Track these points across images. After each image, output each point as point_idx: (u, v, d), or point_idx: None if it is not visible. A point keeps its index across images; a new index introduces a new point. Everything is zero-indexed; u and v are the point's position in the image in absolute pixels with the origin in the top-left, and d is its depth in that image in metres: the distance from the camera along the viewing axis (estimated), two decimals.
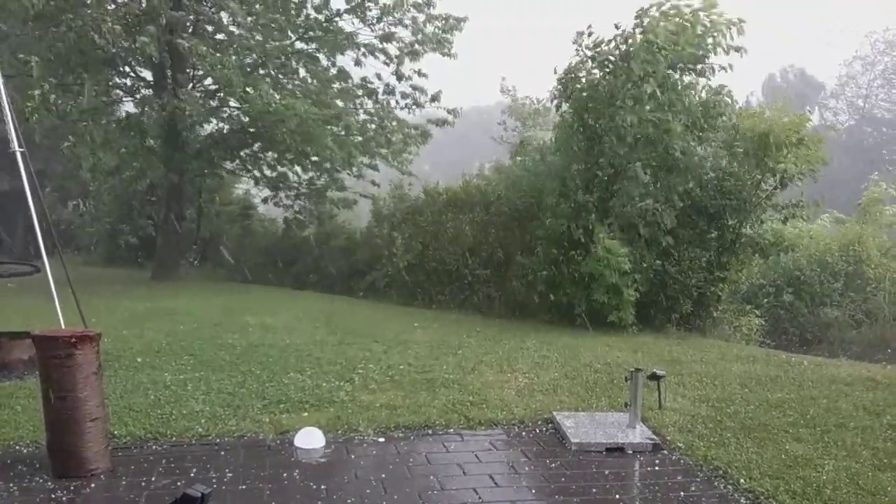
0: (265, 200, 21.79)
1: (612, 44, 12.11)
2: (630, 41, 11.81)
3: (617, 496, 4.59)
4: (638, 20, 11.94)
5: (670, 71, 11.74)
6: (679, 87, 11.79)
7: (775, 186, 12.10)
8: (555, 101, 13.04)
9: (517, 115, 30.05)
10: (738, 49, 11.86)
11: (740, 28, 11.75)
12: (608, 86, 11.83)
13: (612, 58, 12.01)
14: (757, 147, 11.62)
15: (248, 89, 15.80)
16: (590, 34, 12.20)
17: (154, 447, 5.29)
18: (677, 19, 11.76)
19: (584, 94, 12.20)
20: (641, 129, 11.44)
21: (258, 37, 17.17)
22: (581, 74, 12.43)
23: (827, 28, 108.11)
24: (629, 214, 11.51)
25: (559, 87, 12.71)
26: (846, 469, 4.95)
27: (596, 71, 12.23)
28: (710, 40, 11.88)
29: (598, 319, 11.44)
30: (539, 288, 12.23)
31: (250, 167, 20.51)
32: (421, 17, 18.37)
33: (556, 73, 12.71)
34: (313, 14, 18.01)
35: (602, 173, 11.98)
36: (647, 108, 11.41)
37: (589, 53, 12.28)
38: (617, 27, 12.06)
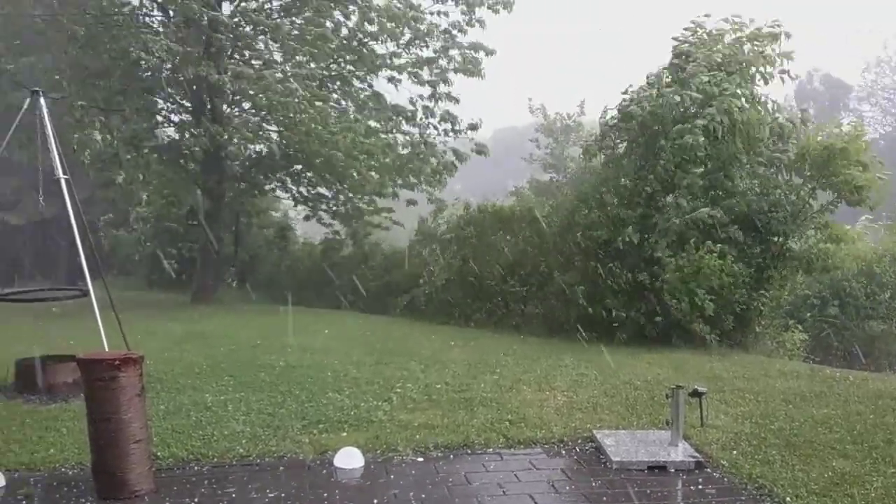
0: (307, 218, 21.98)
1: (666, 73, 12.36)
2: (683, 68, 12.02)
3: None
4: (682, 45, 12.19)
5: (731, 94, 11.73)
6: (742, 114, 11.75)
7: (828, 204, 11.99)
8: (612, 121, 13.22)
9: (548, 133, 30.12)
10: (784, 72, 12.06)
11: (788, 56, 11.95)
12: (671, 107, 11.87)
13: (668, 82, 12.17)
14: (820, 165, 11.54)
15: (303, 115, 16.01)
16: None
17: (196, 468, 5.34)
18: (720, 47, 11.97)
19: (648, 114, 12.21)
20: (703, 149, 11.47)
21: (298, 57, 17.44)
22: (643, 96, 12.57)
23: (856, 29, 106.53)
24: (677, 227, 11.45)
25: (620, 109, 12.93)
26: (895, 486, 4.83)
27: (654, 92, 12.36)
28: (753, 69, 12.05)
29: (641, 335, 11.37)
30: (579, 301, 12.17)
31: (291, 186, 20.79)
32: (449, 44, 18.60)
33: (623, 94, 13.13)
34: (346, 35, 18.26)
35: (650, 188, 12.00)
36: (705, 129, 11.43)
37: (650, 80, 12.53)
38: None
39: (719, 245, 11.22)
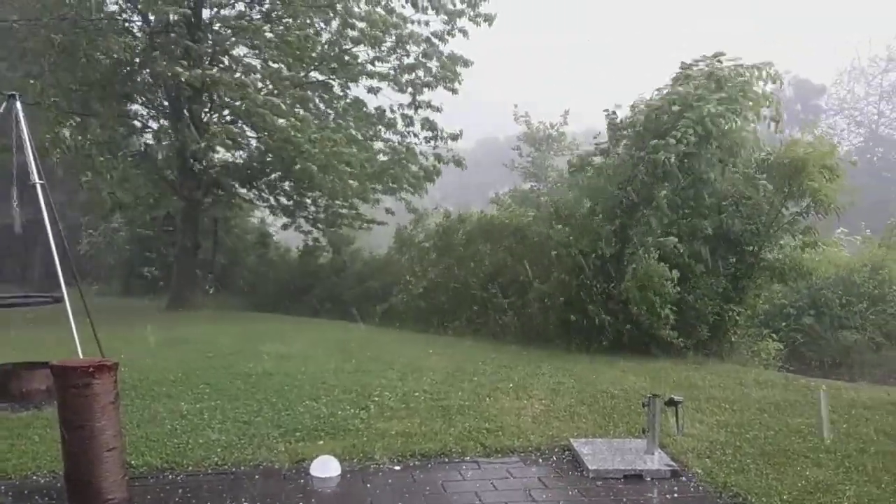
0: (284, 227, 21.93)
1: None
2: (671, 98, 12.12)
3: None
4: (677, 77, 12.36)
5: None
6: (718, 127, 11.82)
7: (799, 212, 12.11)
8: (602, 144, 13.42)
9: (531, 142, 30.19)
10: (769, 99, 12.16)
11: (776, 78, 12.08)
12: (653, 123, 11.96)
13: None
14: (786, 175, 11.64)
15: (280, 120, 15.95)
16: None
17: (170, 477, 5.29)
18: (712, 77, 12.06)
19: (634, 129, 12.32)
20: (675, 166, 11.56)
21: (278, 64, 17.42)
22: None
23: (845, 40, 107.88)
24: (649, 245, 11.53)
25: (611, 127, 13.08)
26: (867, 494, 4.88)
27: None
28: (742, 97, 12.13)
29: (618, 343, 11.44)
30: (558, 313, 12.20)
31: (266, 195, 20.71)
32: (430, 52, 18.65)
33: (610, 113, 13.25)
34: (327, 45, 18.27)
35: (630, 199, 12.07)
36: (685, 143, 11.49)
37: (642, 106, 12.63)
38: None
39: (677, 262, 11.38)
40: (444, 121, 19.87)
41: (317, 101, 19.26)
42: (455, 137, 19.72)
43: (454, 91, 19.13)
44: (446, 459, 5.75)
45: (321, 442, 6.04)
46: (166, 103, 18.61)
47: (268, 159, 18.73)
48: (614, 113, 13.41)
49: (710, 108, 11.38)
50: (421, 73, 18.97)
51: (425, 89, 19.02)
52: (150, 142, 18.99)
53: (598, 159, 13.67)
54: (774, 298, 15.40)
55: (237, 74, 17.22)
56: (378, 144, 19.94)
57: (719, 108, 11.48)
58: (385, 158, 19.75)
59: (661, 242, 11.45)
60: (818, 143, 12.00)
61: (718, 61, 12.29)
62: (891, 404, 7.58)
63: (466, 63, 19.02)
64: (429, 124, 19.55)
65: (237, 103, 16.19)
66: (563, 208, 13.29)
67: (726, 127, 11.50)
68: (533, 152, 29.96)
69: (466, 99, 19.85)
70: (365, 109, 19.47)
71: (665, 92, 12.50)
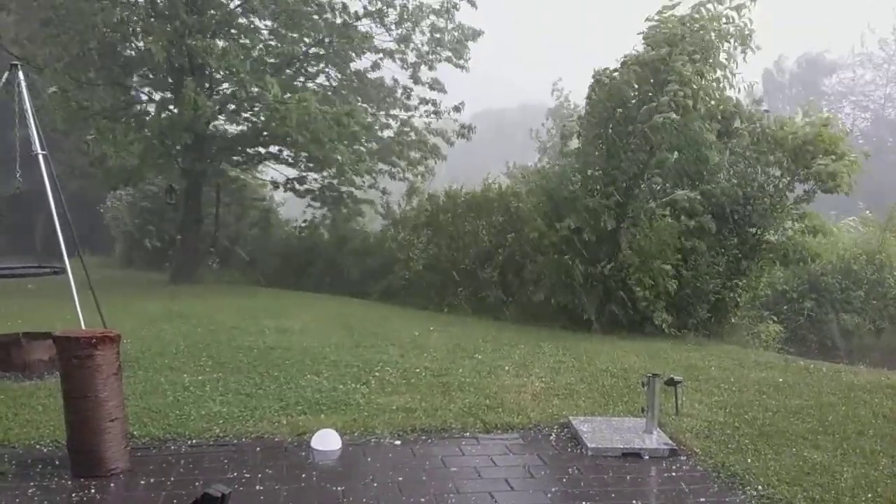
0: (289, 183, 21.68)
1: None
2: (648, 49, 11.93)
3: (633, 501, 4.57)
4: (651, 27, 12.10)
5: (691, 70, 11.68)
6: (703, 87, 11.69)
7: (804, 195, 12.05)
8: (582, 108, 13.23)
9: (558, 118, 29.92)
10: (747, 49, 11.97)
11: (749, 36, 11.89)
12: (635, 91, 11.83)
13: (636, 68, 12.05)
14: (791, 156, 11.57)
15: (254, 88, 15.83)
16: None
17: (172, 448, 5.33)
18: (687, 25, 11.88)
19: (609, 100, 12.12)
20: (667, 133, 11.44)
21: (273, 42, 17.30)
22: (605, 79, 12.41)
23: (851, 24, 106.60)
24: (650, 210, 11.48)
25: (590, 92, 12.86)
26: (865, 476, 4.91)
27: (616, 75, 12.22)
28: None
29: (616, 323, 11.45)
30: (551, 295, 12.21)
31: (268, 164, 20.69)
32: (440, 24, 18.48)
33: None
34: (331, 17, 18.11)
35: (624, 176, 11.99)
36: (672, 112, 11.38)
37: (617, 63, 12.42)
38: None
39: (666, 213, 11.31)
40: (446, 97, 19.82)
41: (322, 76, 19.18)
42: (458, 109, 19.62)
43: (464, 68, 18.99)
44: (446, 435, 5.78)
45: (322, 416, 6.08)
46: (170, 79, 18.48)
47: (264, 133, 18.63)
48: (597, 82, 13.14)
49: (687, 68, 11.28)
50: (426, 46, 18.82)
51: (432, 59, 18.86)
52: (152, 111, 18.93)
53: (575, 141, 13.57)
54: (776, 284, 15.42)
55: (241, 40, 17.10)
56: (382, 120, 19.83)
57: (696, 66, 11.42)
58: (390, 134, 19.66)
59: (673, 200, 11.36)
60: (823, 122, 11.88)
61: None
62: (889, 387, 7.60)
63: (475, 36, 18.84)
64: (430, 100, 19.46)
65: (242, 75, 16.01)
66: (550, 186, 13.16)
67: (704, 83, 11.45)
68: (549, 125, 29.84)
69: (464, 73, 19.66)
70: (367, 82, 19.31)
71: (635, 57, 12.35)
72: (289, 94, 16.14)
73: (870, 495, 4.60)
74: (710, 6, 11.92)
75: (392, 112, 19.90)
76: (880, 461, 5.24)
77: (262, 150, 20.06)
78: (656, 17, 12.25)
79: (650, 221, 11.30)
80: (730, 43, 11.91)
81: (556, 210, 12.45)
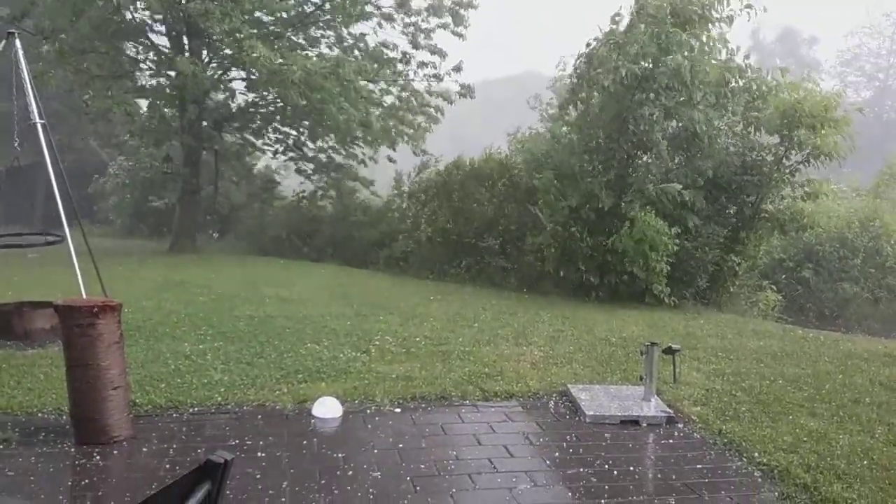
0: (291, 159, 21.61)
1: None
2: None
3: (631, 468, 4.63)
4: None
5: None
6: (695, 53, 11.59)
7: (801, 161, 12.01)
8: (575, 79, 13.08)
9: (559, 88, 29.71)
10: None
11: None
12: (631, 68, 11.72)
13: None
14: (786, 122, 11.50)
15: (254, 54, 15.67)
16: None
17: (174, 415, 5.37)
18: None
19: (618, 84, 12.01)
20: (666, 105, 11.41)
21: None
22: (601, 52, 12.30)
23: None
24: (649, 193, 11.47)
25: (580, 65, 12.75)
26: (860, 444, 4.97)
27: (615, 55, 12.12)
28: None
29: (616, 294, 11.49)
30: (549, 266, 12.23)
31: (269, 136, 20.60)
32: None
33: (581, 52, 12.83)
34: None
35: (622, 150, 11.94)
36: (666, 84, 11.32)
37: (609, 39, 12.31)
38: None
39: (678, 213, 11.34)
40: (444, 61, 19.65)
41: (322, 44, 19.03)
42: (458, 69, 19.44)
43: (462, 36, 18.85)
44: (446, 403, 5.83)
45: (323, 384, 6.12)
46: (167, 45, 18.32)
47: (266, 98, 18.52)
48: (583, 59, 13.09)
49: (680, 58, 11.22)
50: (424, 12, 18.68)
51: (432, 19, 18.72)
52: (152, 81, 18.81)
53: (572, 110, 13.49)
54: (773, 253, 15.46)
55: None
56: (383, 85, 19.68)
57: (691, 55, 11.36)
58: (391, 100, 19.54)
59: (663, 189, 11.39)
60: (815, 92, 11.83)
61: None
62: (886, 356, 7.66)
63: (469, 4, 18.69)
64: (431, 62, 19.35)
65: (229, 29, 15.82)
66: (547, 160, 13.09)
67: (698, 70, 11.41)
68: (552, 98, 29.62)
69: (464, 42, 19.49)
70: (368, 47, 19.14)
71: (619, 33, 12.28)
72: (281, 61, 15.97)
73: (865, 462, 4.65)
74: None
75: (391, 76, 19.66)
76: (876, 429, 5.29)
77: (260, 122, 19.97)
78: None
79: (642, 214, 11.26)
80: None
81: (562, 187, 12.43)
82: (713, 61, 11.90)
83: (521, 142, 15.80)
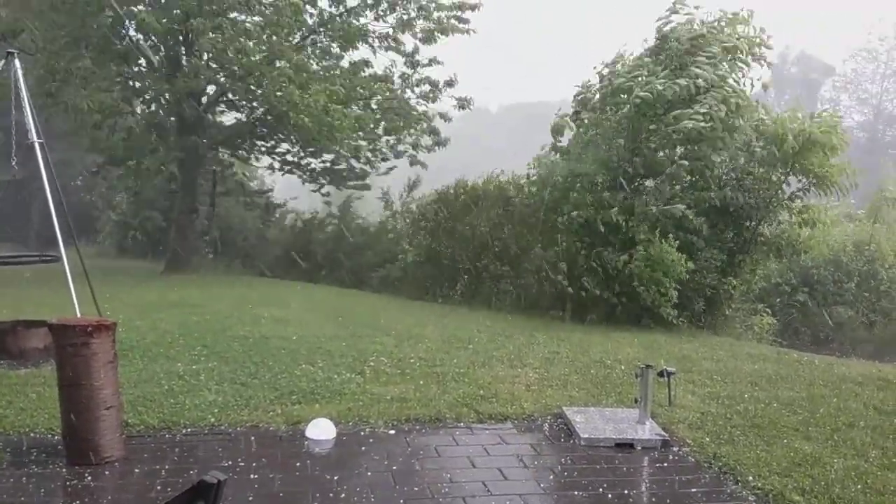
0: (287, 166, 21.54)
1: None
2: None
3: (626, 491, 4.61)
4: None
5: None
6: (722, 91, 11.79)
7: (800, 189, 12.15)
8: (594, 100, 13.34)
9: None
10: (761, 58, 12.22)
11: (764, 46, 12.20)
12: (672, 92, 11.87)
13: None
14: (789, 151, 11.62)
15: (260, 83, 15.76)
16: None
17: (167, 436, 5.34)
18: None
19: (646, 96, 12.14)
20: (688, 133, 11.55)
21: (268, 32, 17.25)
22: (634, 75, 12.48)
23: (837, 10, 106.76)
24: (653, 215, 11.55)
25: (601, 86, 13.00)
26: (855, 468, 4.96)
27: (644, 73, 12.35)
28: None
29: (611, 316, 11.50)
30: (559, 281, 12.21)
31: (267, 155, 20.65)
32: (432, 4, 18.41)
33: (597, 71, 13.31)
34: (328, 10, 18.03)
35: (633, 171, 12.06)
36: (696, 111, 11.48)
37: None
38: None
39: (681, 236, 11.40)
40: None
41: (314, 65, 19.09)
42: (451, 84, 19.42)
43: (468, 32, 18.84)
44: (440, 425, 5.81)
45: (317, 405, 6.10)
46: (162, 66, 18.38)
47: (268, 118, 18.57)
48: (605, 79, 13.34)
49: (730, 86, 11.48)
50: (419, 28, 18.75)
51: (426, 41, 18.78)
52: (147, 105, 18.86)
53: (586, 116, 13.61)
54: (770, 276, 15.51)
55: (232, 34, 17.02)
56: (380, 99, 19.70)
57: (737, 87, 11.62)
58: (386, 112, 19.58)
59: (667, 211, 11.45)
60: (826, 122, 11.94)
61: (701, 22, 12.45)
62: (880, 380, 7.66)
63: (474, 7, 18.72)
64: (429, 80, 19.37)
65: (237, 56, 15.90)
66: (555, 178, 13.19)
67: (743, 103, 11.61)
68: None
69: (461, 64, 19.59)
70: (363, 72, 19.22)
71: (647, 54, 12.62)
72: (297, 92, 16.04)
73: (859, 486, 4.64)
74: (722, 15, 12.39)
75: (387, 93, 19.66)
76: (870, 453, 5.28)
77: (258, 142, 20.03)
78: (673, 17, 12.49)
79: (661, 240, 11.34)
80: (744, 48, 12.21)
81: (576, 198, 12.50)
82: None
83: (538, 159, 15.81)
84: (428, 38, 18.67)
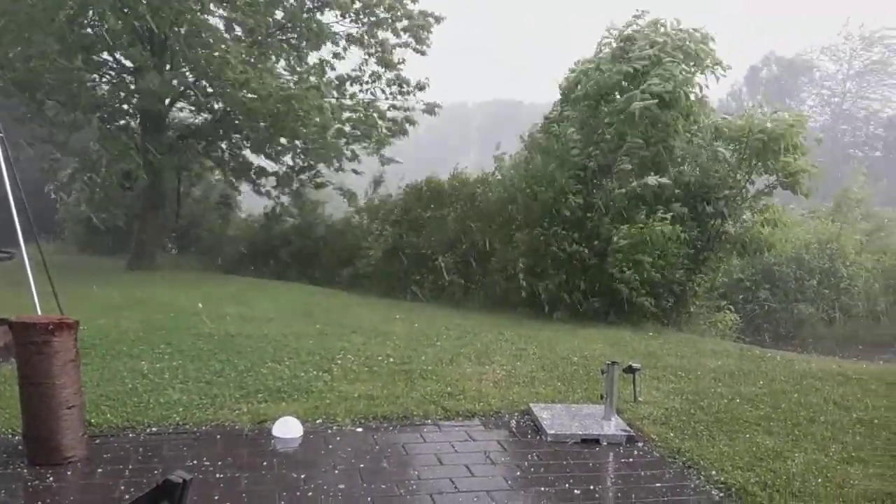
0: (256, 179, 21.36)
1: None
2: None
3: (591, 487, 4.65)
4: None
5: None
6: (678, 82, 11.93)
7: (766, 189, 12.34)
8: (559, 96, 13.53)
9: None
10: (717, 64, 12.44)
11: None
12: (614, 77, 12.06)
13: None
14: (754, 148, 11.78)
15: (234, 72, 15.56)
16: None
17: (131, 436, 5.27)
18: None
19: (594, 84, 12.34)
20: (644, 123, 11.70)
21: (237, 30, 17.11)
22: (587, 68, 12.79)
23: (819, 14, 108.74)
24: (621, 198, 11.66)
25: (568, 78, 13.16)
26: (815, 462, 5.05)
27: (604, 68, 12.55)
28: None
29: (578, 313, 11.58)
30: (520, 278, 12.26)
31: (226, 157, 20.41)
32: (399, 13, 18.38)
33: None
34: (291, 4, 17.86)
35: (595, 163, 12.21)
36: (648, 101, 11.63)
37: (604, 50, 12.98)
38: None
39: (670, 214, 11.50)
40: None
41: (280, 64, 18.94)
42: (422, 87, 19.40)
43: (423, 53, 18.92)
44: (408, 422, 5.81)
45: (283, 403, 6.06)
46: (128, 63, 18.08)
47: (231, 117, 18.37)
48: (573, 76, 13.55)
49: (678, 70, 11.59)
50: (389, 33, 18.72)
51: (395, 48, 18.76)
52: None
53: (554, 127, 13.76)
54: (733, 272, 15.72)
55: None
56: (346, 102, 19.61)
57: (685, 74, 11.73)
58: (354, 115, 19.50)
59: (643, 184, 11.53)
60: (788, 121, 12.13)
61: (661, 25, 12.61)
62: (840, 375, 7.81)
63: (438, 19, 18.75)
64: (398, 80, 19.31)
65: (201, 51, 15.69)
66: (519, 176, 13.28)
67: (690, 94, 11.76)
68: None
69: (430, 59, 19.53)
70: (329, 76, 19.11)
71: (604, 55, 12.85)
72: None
73: (820, 480, 4.72)
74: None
75: (353, 93, 19.54)
76: (830, 447, 5.38)
77: (221, 143, 19.84)
78: (639, 22, 12.70)
79: (647, 216, 11.44)
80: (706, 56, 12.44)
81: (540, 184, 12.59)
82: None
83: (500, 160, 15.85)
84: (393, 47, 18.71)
